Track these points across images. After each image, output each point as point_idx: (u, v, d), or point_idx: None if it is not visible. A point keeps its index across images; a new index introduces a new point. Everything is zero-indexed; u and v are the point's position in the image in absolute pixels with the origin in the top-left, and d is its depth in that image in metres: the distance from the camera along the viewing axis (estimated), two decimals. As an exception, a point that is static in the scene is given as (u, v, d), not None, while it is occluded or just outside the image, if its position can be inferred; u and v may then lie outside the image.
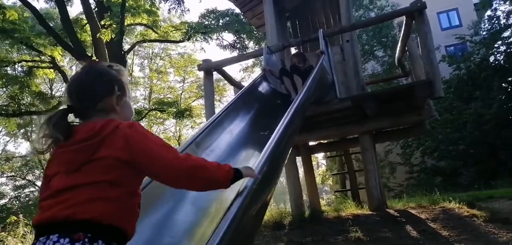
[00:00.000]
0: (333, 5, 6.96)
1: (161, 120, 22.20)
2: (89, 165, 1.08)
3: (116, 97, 1.24)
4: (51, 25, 12.14)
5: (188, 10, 21.14)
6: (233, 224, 1.35)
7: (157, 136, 1.23)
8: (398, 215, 4.38)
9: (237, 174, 1.32)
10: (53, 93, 21.97)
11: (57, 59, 13.10)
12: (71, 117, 1.22)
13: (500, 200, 5.81)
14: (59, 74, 14.63)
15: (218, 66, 5.45)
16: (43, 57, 13.20)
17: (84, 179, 1.07)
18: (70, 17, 12.18)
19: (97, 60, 11.21)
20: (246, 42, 13.87)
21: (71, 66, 21.88)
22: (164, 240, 2.04)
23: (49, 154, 1.17)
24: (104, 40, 10.89)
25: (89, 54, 12.02)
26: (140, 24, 14.47)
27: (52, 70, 14.27)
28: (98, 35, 10.94)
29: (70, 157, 1.11)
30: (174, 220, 2.16)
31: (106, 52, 12.27)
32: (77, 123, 1.22)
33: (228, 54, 13.71)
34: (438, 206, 4.61)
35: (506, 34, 13.78)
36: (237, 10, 12.55)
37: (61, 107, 1.23)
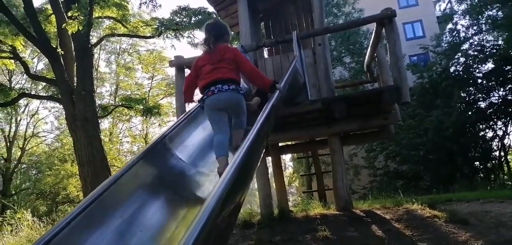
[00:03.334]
0: (306, 8, 7.07)
1: (128, 117, 21.67)
2: (222, 61, 2.70)
3: (229, 37, 2.99)
4: (13, 13, 11.54)
5: (160, 5, 20.68)
6: (207, 225, 1.28)
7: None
8: (364, 215, 4.51)
9: (273, 86, 2.83)
10: (12, 85, 20.91)
11: (19, 49, 12.47)
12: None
13: (458, 203, 6.11)
14: (20, 65, 13.92)
15: (190, 63, 5.37)
16: (3, 47, 12.52)
17: (222, 65, 2.69)
18: (35, 6, 11.63)
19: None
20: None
21: (33, 57, 20.93)
22: (134, 235, 1.99)
23: (200, 57, 2.89)
24: (70, 32, 10.49)
25: (54, 46, 11.54)
26: (109, 17, 14.04)
27: (12, 60, 13.57)
28: (64, 26, 10.52)
29: (213, 57, 2.74)
30: (144, 216, 2.10)
31: (72, 44, 11.82)
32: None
33: (199, 52, 13.52)
34: (402, 207, 4.79)
35: (465, 46, 14.53)
36: (211, 9, 12.47)
37: (208, 38, 2.83)
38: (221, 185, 1.47)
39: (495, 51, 13.07)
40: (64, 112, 13.20)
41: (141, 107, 15.02)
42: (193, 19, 12.89)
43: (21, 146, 22.98)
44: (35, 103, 23.61)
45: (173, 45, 17.40)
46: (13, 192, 21.77)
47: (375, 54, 5.79)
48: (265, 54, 7.39)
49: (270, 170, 7.03)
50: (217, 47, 2.76)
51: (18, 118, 23.32)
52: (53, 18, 12.51)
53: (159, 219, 2.12)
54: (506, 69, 12.76)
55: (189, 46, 14.45)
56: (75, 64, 11.69)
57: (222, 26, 2.94)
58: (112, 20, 14.31)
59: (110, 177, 2.07)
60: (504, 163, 14.02)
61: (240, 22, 5.88)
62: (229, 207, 1.60)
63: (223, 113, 2.65)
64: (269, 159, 6.46)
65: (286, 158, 25.20)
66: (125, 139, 26.13)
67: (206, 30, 2.84)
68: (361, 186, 15.33)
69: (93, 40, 15.27)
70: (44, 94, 18.91)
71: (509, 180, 12.34)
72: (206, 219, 1.28)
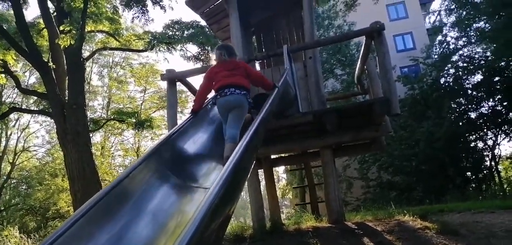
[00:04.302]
0: (297, 22, 7.15)
1: (120, 130, 21.54)
2: (236, 70, 3.36)
3: (236, 57, 3.61)
4: (4, 27, 11.49)
5: (152, 19, 20.84)
6: (194, 238, 1.28)
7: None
8: (356, 227, 4.51)
9: (274, 86, 3.47)
10: (3, 99, 20.70)
11: (10, 64, 12.37)
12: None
13: (450, 214, 6.15)
14: (11, 79, 13.81)
15: (182, 77, 5.41)
16: (-7, 61, 12.41)
17: (235, 72, 3.33)
18: (27, 20, 11.59)
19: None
20: (211, 54, 13.85)
21: (25, 71, 20.80)
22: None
23: (215, 66, 3.51)
24: (62, 46, 10.46)
25: (45, 59, 11.48)
26: (102, 31, 14.04)
27: (3, 75, 13.46)
28: (56, 40, 10.49)
29: (228, 66, 3.38)
30: (131, 234, 2.08)
31: (64, 58, 11.78)
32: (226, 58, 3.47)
33: (192, 65, 13.54)
34: (394, 219, 4.80)
35: (454, 58, 14.75)
36: (203, 22, 12.54)
37: (222, 52, 3.51)
38: (209, 198, 1.47)
39: (483, 62, 13.28)
40: (55, 126, 13.08)
41: (133, 120, 14.95)
42: (185, 32, 12.93)
43: (11, 161, 22.67)
44: (26, 117, 23.40)
45: (166, 58, 17.63)
46: (2, 208, 21.40)
47: (365, 67, 5.85)
48: (257, 67, 7.43)
49: (263, 183, 7.02)
50: (230, 59, 3.44)
51: (9, 133, 23.06)
52: (45, 32, 12.48)
53: (148, 235, 2.10)
54: (494, 80, 12.96)
55: (182, 59, 14.45)
56: (67, 78, 11.64)
57: (232, 47, 3.67)
58: (104, 34, 14.31)
59: (99, 193, 2.05)
60: (495, 173, 14.14)
61: (232, 36, 5.93)
62: (217, 219, 1.60)
63: (227, 112, 3.25)
64: (261, 172, 6.45)
65: (280, 170, 25.18)
66: (117, 152, 25.93)
67: (219, 49, 3.54)
68: (354, 197, 15.33)
69: (85, 53, 15.27)
70: (35, 109, 18.73)
71: (500, 190, 12.43)
72: (193, 232, 1.27)
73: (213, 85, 3.40)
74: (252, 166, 2.41)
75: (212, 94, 3.63)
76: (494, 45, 12.79)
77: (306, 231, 4.39)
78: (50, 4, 12.23)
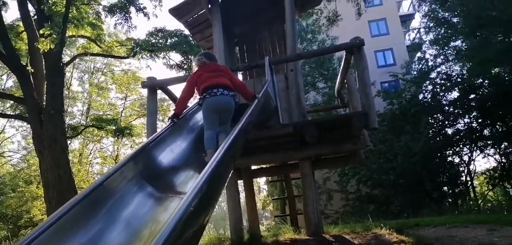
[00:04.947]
0: (280, 34, 7.23)
1: (99, 137, 21.13)
2: (219, 71, 3.40)
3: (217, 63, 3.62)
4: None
5: (135, 27, 20.61)
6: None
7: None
8: (333, 240, 4.54)
9: (254, 97, 3.42)
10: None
11: (-15, 66, 12.06)
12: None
13: (425, 228, 6.25)
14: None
15: (163, 85, 5.37)
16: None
17: (219, 74, 3.35)
18: (5, 22, 11.33)
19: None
20: (194, 64, 13.81)
21: (1, 75, 20.26)
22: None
23: (197, 71, 3.48)
24: (42, 50, 10.26)
25: (24, 63, 11.22)
26: (83, 36, 13.84)
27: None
28: (36, 44, 10.28)
29: (210, 68, 3.41)
30: (103, 242, 2.04)
31: (43, 62, 11.54)
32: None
33: (175, 74, 13.46)
34: (371, 232, 4.85)
35: (433, 75, 15.16)
36: (186, 32, 12.52)
37: (201, 57, 3.60)
38: (183, 206, 1.46)
39: (460, 80, 13.69)
40: (31, 132, 12.76)
41: (113, 127, 14.71)
42: (169, 40, 12.87)
43: (-17, 166, 21.92)
44: (1, 121, 22.72)
45: (148, 66, 17.42)
46: (-27, 216, 20.59)
47: (345, 81, 5.94)
48: (240, 78, 7.45)
49: (244, 194, 6.99)
50: (210, 62, 3.50)
51: (-18, 137, 22.32)
52: (24, 35, 12.22)
53: (121, 243, 2.06)
54: (470, 97, 13.37)
55: (165, 67, 14.35)
56: (46, 83, 11.39)
57: (212, 53, 3.84)
58: (86, 39, 14.10)
59: (71, 200, 2.01)
60: (470, 188, 14.50)
61: (214, 46, 5.94)
62: (191, 228, 1.59)
63: (217, 114, 3.22)
64: (241, 183, 6.43)
65: (261, 181, 25.15)
66: (95, 160, 25.41)
67: (199, 55, 3.66)
68: (333, 210, 15.44)
69: (66, 58, 14.98)
70: (11, 113, 18.23)
71: (474, 205, 12.75)
72: (164, 240, 1.26)
73: (197, 88, 3.35)
74: (229, 175, 2.40)
75: (193, 101, 3.66)
76: (470, 63, 13.21)
77: (284, 243, 4.39)
78: (30, 7, 12.01)
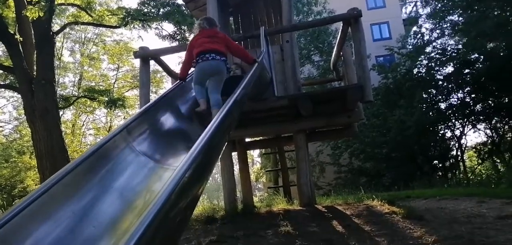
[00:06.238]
0: (275, 5, 7.08)
1: (91, 108, 20.97)
2: (215, 38, 3.54)
3: (217, 28, 3.76)
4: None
5: (127, -5, 20.14)
6: (160, 215, 1.23)
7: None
8: (326, 211, 4.59)
9: (254, 61, 3.62)
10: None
11: (-29, 35, 11.74)
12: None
13: (416, 200, 6.36)
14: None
15: (156, 55, 5.28)
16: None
17: (215, 40, 3.50)
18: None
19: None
20: (187, 34, 13.59)
21: (-11, 44, 19.74)
22: (85, 230, 1.91)
23: (196, 35, 3.65)
24: (31, 18, 9.99)
25: (12, 32, 10.95)
26: (73, 4, 13.49)
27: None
28: (24, 12, 10.00)
29: (208, 33, 3.57)
30: (97, 210, 2.02)
31: (32, 31, 11.27)
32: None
33: (167, 44, 13.26)
34: (363, 204, 4.91)
35: (428, 49, 15.09)
36: (179, 1, 12.26)
37: (202, 22, 3.72)
38: (176, 176, 1.44)
39: (455, 54, 13.66)
40: (22, 102, 12.59)
41: (105, 98, 14.56)
42: (161, 10, 12.62)
43: (-25, 136, 21.74)
44: (-9, 91, 22.34)
45: (140, 36, 17.26)
46: (-34, 185, 20.57)
47: (341, 53, 5.89)
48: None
49: (238, 166, 7.01)
50: (210, 28, 3.63)
51: (-27, 107, 22.03)
52: (11, 2, 11.87)
53: (114, 212, 2.05)
54: (464, 72, 13.37)
55: (157, 37, 14.12)
56: (35, 52, 11.16)
57: (213, 19, 3.91)
58: (76, 7, 13.76)
59: (62, 169, 1.98)
60: (460, 162, 14.71)
61: (208, 15, 5.80)
62: (185, 199, 1.57)
63: (208, 77, 3.43)
64: (235, 155, 6.44)
65: (255, 154, 25.28)
66: (88, 131, 25.29)
67: (200, 19, 3.78)
68: (326, 182, 15.62)
69: (55, 27, 14.63)
70: (1, 83, 17.92)
71: (464, 178, 12.96)
72: (157, 211, 1.23)
73: (194, 52, 3.51)
74: (224, 147, 2.38)
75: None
76: (466, 38, 13.15)
77: (277, 214, 4.43)
78: (17, -27, 11.62)
